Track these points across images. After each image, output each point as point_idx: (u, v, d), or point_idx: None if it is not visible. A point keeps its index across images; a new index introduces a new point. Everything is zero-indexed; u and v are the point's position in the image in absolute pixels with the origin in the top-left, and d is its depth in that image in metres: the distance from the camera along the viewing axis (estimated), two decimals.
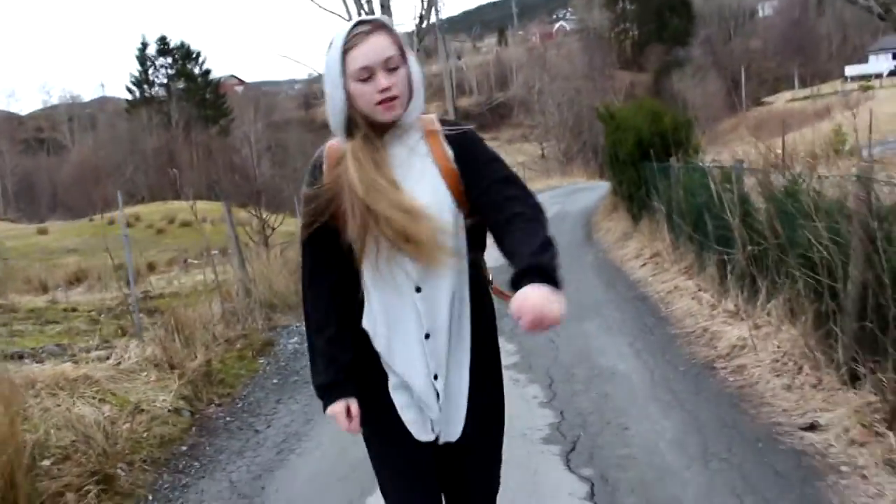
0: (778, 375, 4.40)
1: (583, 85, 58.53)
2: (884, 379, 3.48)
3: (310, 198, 1.84)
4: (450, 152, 1.84)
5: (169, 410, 4.78)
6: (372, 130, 1.79)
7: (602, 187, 20.59)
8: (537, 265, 1.55)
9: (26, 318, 8.15)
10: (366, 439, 1.99)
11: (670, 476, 3.47)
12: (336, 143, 1.86)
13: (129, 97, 78.13)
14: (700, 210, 6.85)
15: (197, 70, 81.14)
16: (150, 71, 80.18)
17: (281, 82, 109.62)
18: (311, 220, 1.84)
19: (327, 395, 1.89)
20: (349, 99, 1.76)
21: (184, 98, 77.63)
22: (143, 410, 4.65)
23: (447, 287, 1.83)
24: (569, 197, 22.89)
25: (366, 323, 1.86)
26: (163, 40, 79.55)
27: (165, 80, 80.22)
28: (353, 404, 1.88)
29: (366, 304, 1.86)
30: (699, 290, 6.70)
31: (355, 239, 1.79)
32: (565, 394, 4.73)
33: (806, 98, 60.05)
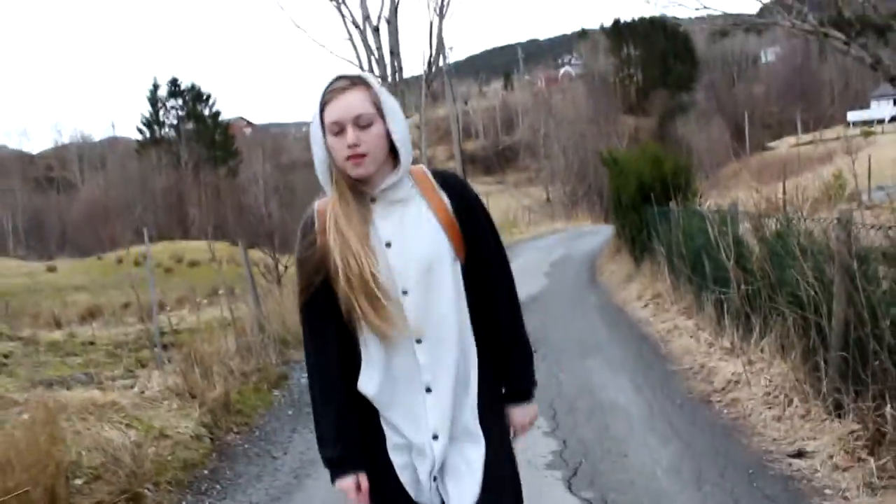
0: (769, 407, 4.65)
1: (588, 129, 59.27)
2: (864, 408, 3.73)
3: (301, 262, 1.85)
4: (447, 201, 1.87)
5: (191, 437, 5.03)
6: (358, 185, 1.81)
7: (606, 231, 20.87)
8: (531, 385, 2.00)
9: (47, 350, 8.42)
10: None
11: (666, 499, 3.71)
12: (325, 200, 1.87)
13: (140, 137, 79.16)
14: (698, 252, 7.14)
15: (207, 112, 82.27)
16: (161, 112, 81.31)
17: (288, 124, 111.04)
18: (305, 284, 1.84)
19: (337, 468, 1.86)
20: (329, 153, 1.80)
21: (193, 139, 78.62)
22: (166, 436, 4.91)
23: (452, 336, 1.83)
24: (574, 241, 23.17)
25: (364, 380, 1.84)
26: (174, 82, 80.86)
27: (175, 122, 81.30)
28: (363, 479, 1.86)
29: (364, 360, 1.84)
30: (697, 329, 6.96)
31: (345, 299, 1.79)
32: (568, 424, 4.96)
33: (809, 143, 60.60)
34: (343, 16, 17.11)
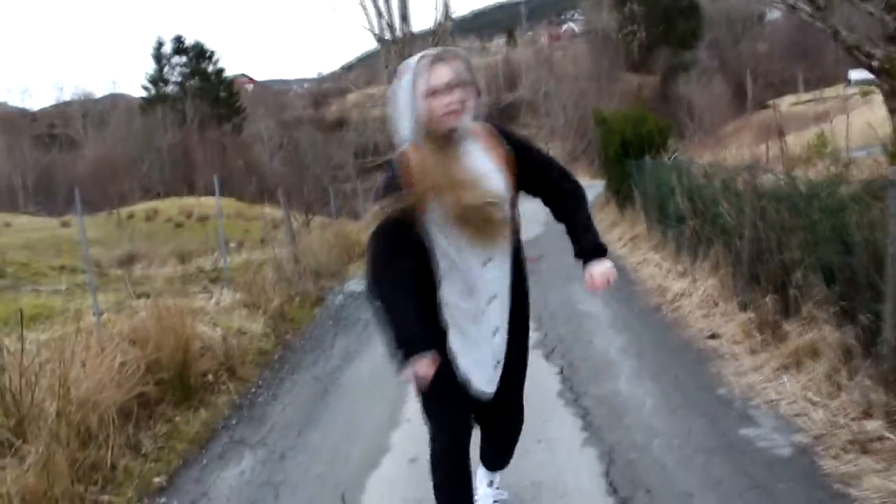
0: (700, 309, 6.17)
1: (589, 87, 59.93)
2: (757, 302, 5.23)
3: (397, 199, 2.28)
4: (506, 145, 2.42)
5: (260, 334, 6.57)
6: (439, 136, 2.32)
7: (601, 185, 22.25)
8: (598, 245, 2.52)
9: (118, 280, 9.91)
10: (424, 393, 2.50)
11: (614, 365, 5.24)
12: (402, 152, 2.38)
13: (143, 95, 79.50)
14: (664, 197, 8.59)
15: (211, 69, 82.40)
16: (165, 69, 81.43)
17: (290, 81, 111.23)
18: (388, 218, 2.28)
19: (414, 347, 2.23)
20: (419, 114, 2.30)
21: (198, 96, 78.89)
22: (243, 332, 6.45)
23: (507, 256, 2.43)
24: None
25: (446, 291, 2.41)
26: (178, 40, 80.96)
27: (180, 79, 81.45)
28: (434, 360, 2.27)
29: (444, 276, 2.40)
30: (661, 260, 8.45)
31: (441, 223, 2.33)
32: (549, 325, 6.48)
33: (809, 102, 61.25)
34: None
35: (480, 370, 2.41)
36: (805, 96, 68.70)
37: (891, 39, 11.39)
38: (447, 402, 2.45)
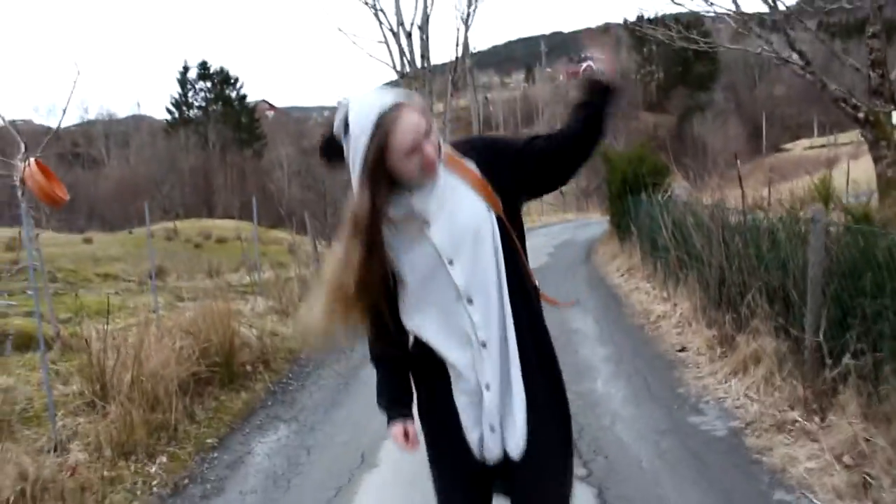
0: (676, 328, 7.06)
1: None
2: (719, 321, 6.11)
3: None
4: (471, 164, 1.93)
5: (290, 336, 7.47)
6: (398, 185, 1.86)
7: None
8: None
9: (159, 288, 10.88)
10: (427, 444, 2.11)
11: (595, 369, 6.11)
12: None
13: (168, 117, 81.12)
14: (655, 232, 9.49)
15: (234, 94, 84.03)
16: (190, 94, 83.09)
17: (310, 108, 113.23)
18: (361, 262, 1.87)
19: (388, 417, 2.07)
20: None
21: (220, 121, 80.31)
22: (275, 334, 7.36)
23: (496, 293, 1.91)
24: (579, 229, 25.58)
25: (427, 335, 1.97)
26: (203, 65, 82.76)
27: (204, 103, 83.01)
28: (410, 426, 2.05)
29: (423, 322, 1.96)
30: (651, 288, 9.34)
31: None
32: None
33: (822, 146, 62.09)
34: (380, 21, 19.52)
35: (474, 432, 1.99)
36: (819, 140, 69.48)
37: (874, 93, 12.34)
38: (447, 476, 2.11)
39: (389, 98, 1.80)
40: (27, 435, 4.43)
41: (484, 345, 1.91)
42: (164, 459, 4.56)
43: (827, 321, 4.26)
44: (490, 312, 1.91)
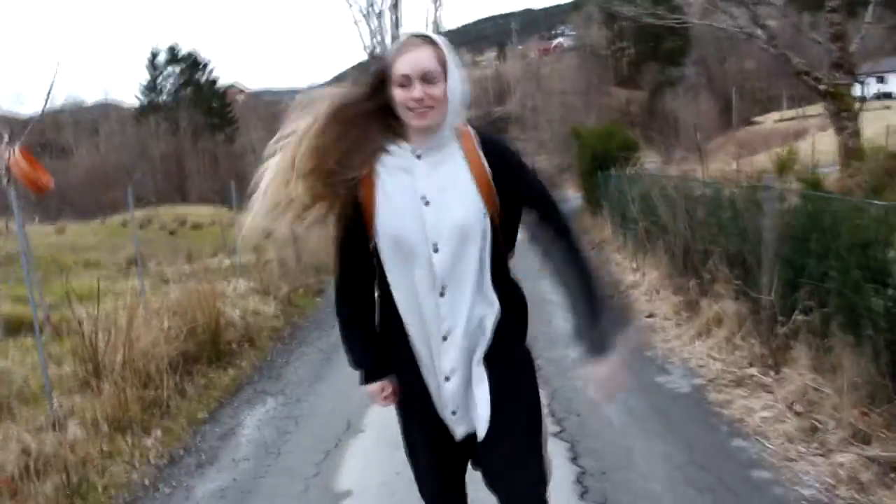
0: (644, 296, 7.36)
1: (578, 101, 61.11)
2: (684, 286, 6.41)
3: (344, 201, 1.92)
4: (484, 160, 1.90)
5: (272, 315, 7.70)
6: (410, 138, 1.91)
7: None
8: (603, 340, 1.94)
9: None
10: (400, 419, 2.16)
11: (565, 336, 6.38)
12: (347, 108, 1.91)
13: (136, 104, 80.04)
14: (624, 205, 9.78)
15: (204, 79, 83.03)
16: (160, 79, 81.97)
17: (282, 91, 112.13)
18: (343, 220, 1.95)
19: (366, 376, 2.08)
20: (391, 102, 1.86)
21: (191, 106, 79.35)
22: (257, 313, 7.57)
23: (469, 291, 1.91)
24: None
25: (406, 320, 1.96)
26: (172, 49, 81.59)
27: (174, 88, 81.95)
28: (388, 385, 2.08)
29: (394, 295, 1.96)
30: (621, 259, 9.65)
31: (379, 246, 1.93)
32: None
33: (792, 119, 62.72)
34: (350, 3, 19.60)
35: (444, 411, 2.00)
36: (789, 113, 70.11)
37: (835, 66, 12.70)
38: (420, 453, 2.14)
39: (417, 33, 1.89)
40: (26, 414, 4.63)
41: (445, 337, 1.92)
42: (159, 433, 4.77)
43: (779, 282, 4.56)
44: (459, 307, 1.91)
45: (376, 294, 2.04)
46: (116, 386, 4.90)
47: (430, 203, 1.88)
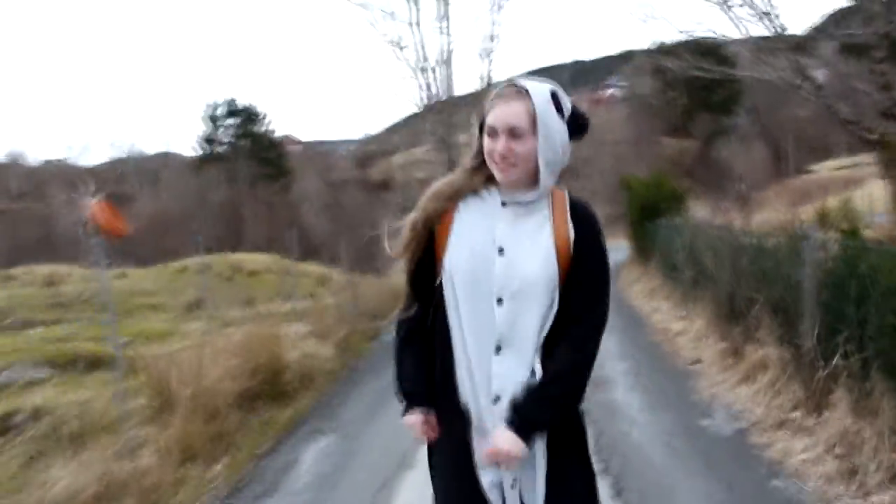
0: (691, 342, 7.49)
1: (629, 151, 61.13)
2: (730, 335, 6.54)
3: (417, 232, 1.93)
4: (572, 230, 1.85)
5: (329, 358, 8.00)
6: (499, 187, 1.88)
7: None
8: (529, 418, 1.79)
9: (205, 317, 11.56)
10: (433, 474, 2.06)
11: (614, 381, 6.55)
12: (449, 182, 1.95)
13: (196, 153, 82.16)
14: (673, 254, 9.94)
15: (261, 130, 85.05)
16: (220, 130, 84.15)
17: (336, 142, 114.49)
18: (414, 252, 1.95)
19: (408, 403, 1.99)
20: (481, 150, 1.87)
21: (248, 156, 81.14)
22: (314, 356, 7.88)
23: (528, 356, 1.82)
24: None
25: (458, 375, 1.88)
26: (230, 103, 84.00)
27: (231, 139, 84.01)
28: (431, 418, 1.96)
29: (455, 356, 1.88)
30: (670, 307, 9.76)
31: (445, 285, 1.88)
32: None
33: (849, 167, 61.72)
34: (406, 59, 20.21)
35: (488, 475, 1.89)
36: (846, 161, 68.89)
37: (883, 115, 12.71)
38: None
39: (514, 83, 1.86)
40: (104, 442, 4.97)
41: (497, 399, 1.82)
42: (224, 464, 5.08)
43: (820, 328, 4.70)
44: (515, 369, 1.82)
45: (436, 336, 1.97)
46: (185, 418, 5.23)
47: (504, 253, 1.83)
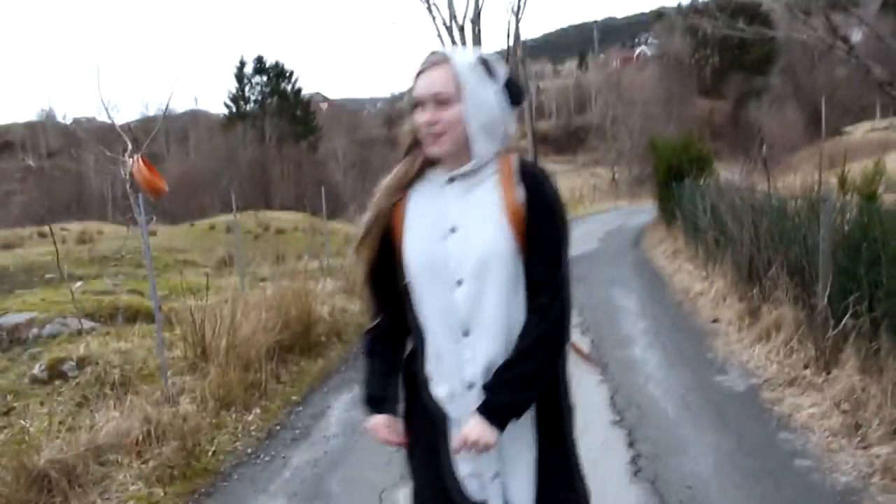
0: (711, 303, 7.64)
1: (659, 111, 60.37)
2: (748, 296, 6.68)
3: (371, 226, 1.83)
4: (522, 194, 1.73)
5: (358, 312, 8.26)
6: (438, 164, 1.79)
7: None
8: (493, 402, 1.68)
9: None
10: (413, 473, 1.97)
11: (633, 339, 6.74)
12: (401, 172, 1.83)
13: (224, 112, 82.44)
14: (697, 215, 10.02)
15: (289, 88, 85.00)
16: (247, 88, 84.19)
17: (364, 100, 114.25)
18: (371, 247, 1.84)
19: (371, 407, 1.91)
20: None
21: (276, 114, 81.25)
22: (345, 310, 8.15)
23: (499, 335, 1.71)
24: (630, 216, 25.94)
25: (427, 368, 1.80)
26: (259, 60, 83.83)
27: (260, 97, 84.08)
28: (396, 423, 1.88)
29: (424, 348, 1.80)
30: (693, 268, 9.88)
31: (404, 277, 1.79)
32: (589, 315, 8.00)
33: (886, 129, 60.51)
34: (433, 16, 20.22)
35: (465, 467, 1.81)
36: (882, 123, 67.56)
37: None
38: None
39: (436, 50, 1.77)
40: (146, 389, 5.28)
41: (471, 386, 1.73)
42: (258, 411, 5.37)
43: (832, 289, 4.84)
44: (486, 353, 1.71)
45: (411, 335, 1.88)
46: (221, 368, 5.51)
47: (456, 231, 1.74)
